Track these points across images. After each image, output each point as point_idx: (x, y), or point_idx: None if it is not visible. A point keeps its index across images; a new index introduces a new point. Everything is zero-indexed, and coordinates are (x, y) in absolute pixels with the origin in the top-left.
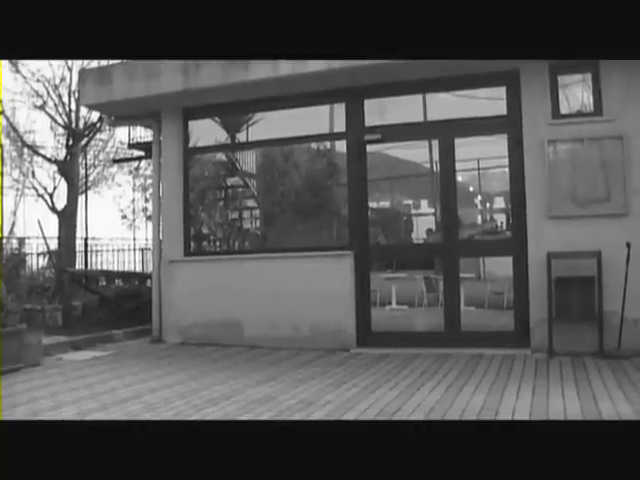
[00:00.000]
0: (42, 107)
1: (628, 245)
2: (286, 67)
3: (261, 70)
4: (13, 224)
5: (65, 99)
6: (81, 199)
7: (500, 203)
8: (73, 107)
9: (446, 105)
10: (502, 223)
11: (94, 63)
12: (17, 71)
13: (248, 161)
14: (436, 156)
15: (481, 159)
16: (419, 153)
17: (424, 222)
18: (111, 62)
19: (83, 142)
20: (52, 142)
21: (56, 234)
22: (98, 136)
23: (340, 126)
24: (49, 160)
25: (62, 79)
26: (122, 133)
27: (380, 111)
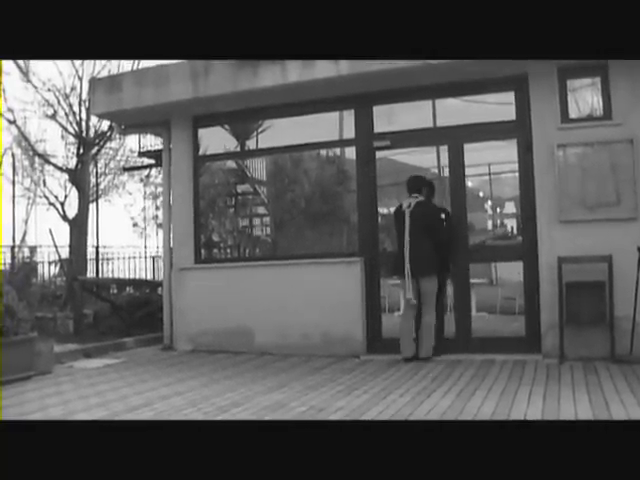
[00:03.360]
0: (53, 116)
1: (639, 249)
2: (295, 74)
3: (270, 77)
4: (25, 233)
5: (76, 108)
6: (92, 207)
7: (510, 208)
8: (84, 116)
9: (455, 111)
10: (512, 228)
11: (104, 72)
12: (28, 81)
13: (258, 168)
14: (445, 161)
15: (491, 164)
16: (428, 159)
17: None
18: (121, 70)
19: (94, 151)
20: (63, 151)
21: (67, 242)
22: (108, 145)
23: (349, 132)
24: (60, 169)
25: (72, 88)
26: (132, 141)
27: (389, 117)
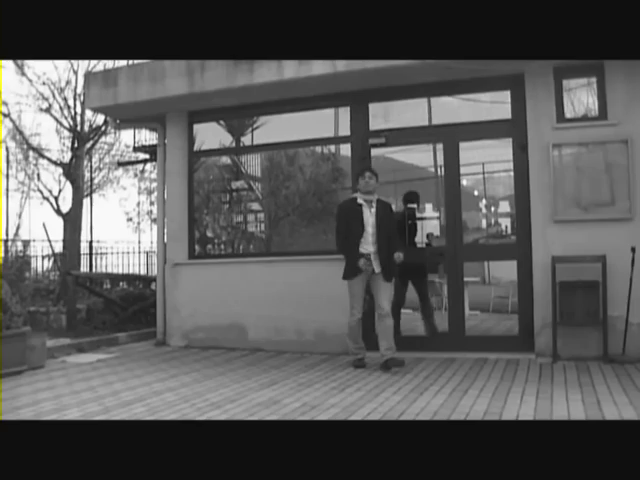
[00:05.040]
0: (48, 110)
1: (633, 249)
2: (291, 70)
3: (266, 73)
4: (18, 227)
5: (70, 102)
6: (86, 202)
7: (505, 207)
8: (78, 110)
9: (451, 109)
10: (507, 227)
11: (99, 66)
12: (23, 74)
13: (253, 164)
14: (441, 160)
15: (486, 163)
16: (423, 157)
17: (429, 226)
18: (116, 65)
19: (88, 145)
20: (57, 145)
21: (61, 237)
22: (103, 139)
23: (345, 130)
24: (54, 163)
25: (67, 82)
26: (127, 136)
27: (385, 115)
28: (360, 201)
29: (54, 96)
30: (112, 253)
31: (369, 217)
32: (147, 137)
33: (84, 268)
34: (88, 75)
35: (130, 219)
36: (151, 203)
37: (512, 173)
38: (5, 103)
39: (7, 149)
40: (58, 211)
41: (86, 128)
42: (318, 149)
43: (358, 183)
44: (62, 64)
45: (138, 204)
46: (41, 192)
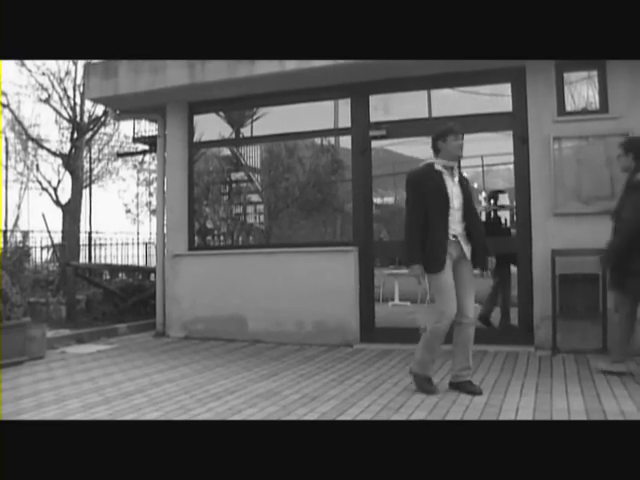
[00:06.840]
0: (47, 101)
1: None
2: (292, 62)
3: (267, 65)
4: (17, 217)
5: (70, 93)
6: (85, 193)
7: (504, 200)
8: (78, 101)
9: (451, 101)
10: (506, 220)
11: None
12: (22, 64)
13: (253, 156)
14: None
15: (486, 156)
16: (424, 149)
17: None
18: None
19: (88, 136)
20: (57, 136)
21: (60, 228)
22: (103, 130)
23: (345, 121)
24: (53, 154)
25: (67, 73)
26: (127, 127)
27: (385, 107)
28: (439, 167)
29: (53, 86)
30: (111, 244)
31: (453, 187)
32: (147, 128)
33: (83, 259)
34: (88, 66)
35: (129, 210)
36: (150, 194)
37: (512, 166)
38: (4, 93)
39: (6, 140)
40: (57, 202)
41: (85, 119)
42: (318, 141)
43: (444, 143)
44: None
45: (137, 195)
46: (40, 183)
